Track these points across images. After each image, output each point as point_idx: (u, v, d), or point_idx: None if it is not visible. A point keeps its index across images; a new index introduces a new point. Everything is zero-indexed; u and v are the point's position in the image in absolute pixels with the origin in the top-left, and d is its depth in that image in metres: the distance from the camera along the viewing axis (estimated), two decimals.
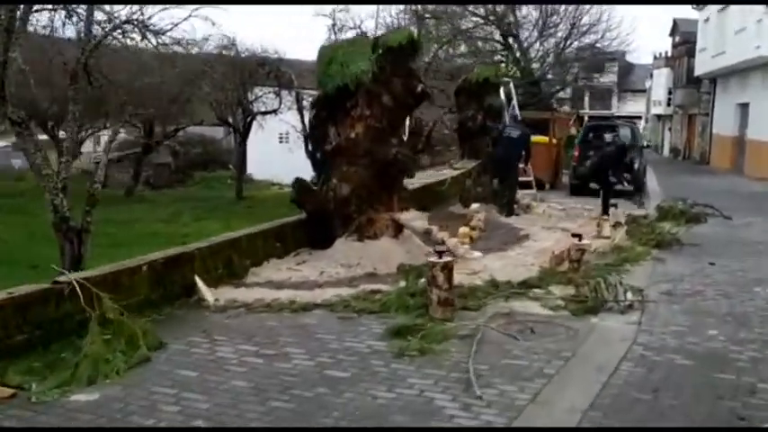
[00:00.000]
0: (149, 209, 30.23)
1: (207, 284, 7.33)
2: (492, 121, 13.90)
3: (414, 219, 10.11)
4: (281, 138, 40.47)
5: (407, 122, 27.78)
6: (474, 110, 13.88)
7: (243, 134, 36.10)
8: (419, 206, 13.99)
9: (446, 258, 6.85)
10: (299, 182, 9.32)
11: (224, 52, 33.70)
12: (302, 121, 29.50)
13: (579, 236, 8.46)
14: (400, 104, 9.21)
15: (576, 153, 18.83)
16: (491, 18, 31.83)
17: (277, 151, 38.91)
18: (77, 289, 5.47)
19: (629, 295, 7.55)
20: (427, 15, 27.67)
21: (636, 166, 16.72)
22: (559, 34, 33.87)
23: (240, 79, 32.77)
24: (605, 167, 13.86)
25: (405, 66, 9.26)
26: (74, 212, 11.51)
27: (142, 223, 25.53)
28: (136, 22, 11.53)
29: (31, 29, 12.34)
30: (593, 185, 16.81)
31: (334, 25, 27.72)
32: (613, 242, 10.93)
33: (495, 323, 6.59)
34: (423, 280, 7.51)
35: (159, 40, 12.20)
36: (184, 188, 41.15)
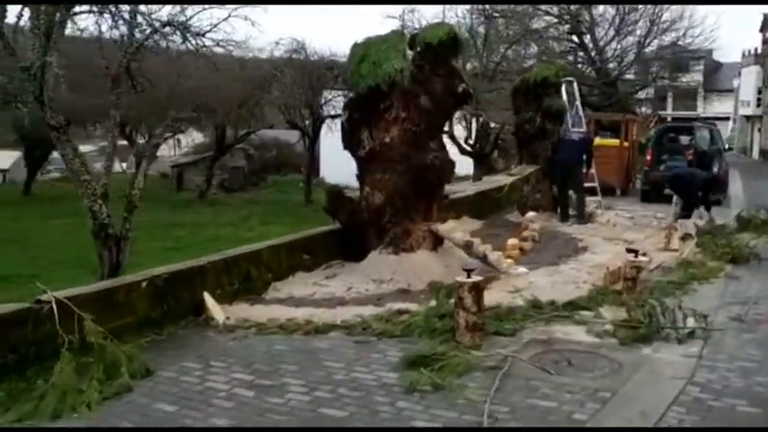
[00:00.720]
0: (220, 212, 30.44)
1: (220, 301, 6.82)
2: (552, 123, 12.97)
3: (458, 228, 9.38)
4: None
5: (474, 125, 26.86)
6: (532, 112, 12.97)
7: (312, 138, 36.10)
8: (474, 214, 13.26)
9: (475, 278, 6.10)
10: (332, 189, 8.72)
11: (294, 56, 33.76)
12: None
13: (635, 251, 7.54)
14: (440, 106, 8.50)
15: (649, 157, 17.61)
16: (565, 17, 30.60)
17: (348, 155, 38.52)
18: (54, 309, 5.00)
19: (691, 321, 6.62)
20: (496, 14, 26.73)
21: (716, 170, 15.44)
22: (638, 32, 32.22)
23: (309, 83, 32.71)
24: (691, 187, 12.70)
25: (445, 64, 8.54)
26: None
27: (210, 227, 25.64)
28: (176, 24, 11.22)
29: (76, 32, 12.19)
30: (667, 191, 15.67)
31: (403, 27, 27.21)
32: (681, 256, 9.91)
33: (528, 353, 5.81)
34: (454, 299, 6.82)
35: (199, 42, 11.86)
36: (257, 191, 41.44)
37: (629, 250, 7.62)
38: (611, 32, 32.13)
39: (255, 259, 7.45)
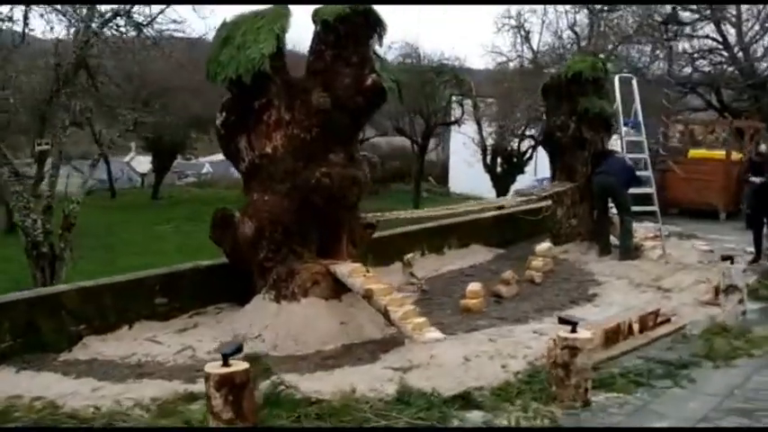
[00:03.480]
0: None
1: None
2: (592, 131, 10.19)
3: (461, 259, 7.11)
4: None
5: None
6: (564, 115, 10.27)
7: (421, 146, 34.44)
8: (494, 241, 10.81)
9: (236, 366, 3.94)
10: (217, 212, 6.76)
11: (407, 60, 32.25)
12: (479, 132, 27.22)
13: (572, 323, 4.95)
14: (344, 105, 6.29)
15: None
16: (705, 14, 26.46)
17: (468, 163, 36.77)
18: None
19: None
20: (605, 9, 23.47)
21: None
22: None
23: (421, 88, 30.98)
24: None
25: (357, 49, 6.35)
26: None
27: None
28: (122, 13, 9.76)
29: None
30: None
31: (520, 28, 24.81)
32: (719, 317, 7.08)
33: None
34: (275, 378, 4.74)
35: (151, 31, 10.36)
36: (376, 200, 40.13)
37: (562, 320, 5.04)
38: (756, 27, 27.69)
39: (49, 306, 5.64)
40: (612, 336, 6.14)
